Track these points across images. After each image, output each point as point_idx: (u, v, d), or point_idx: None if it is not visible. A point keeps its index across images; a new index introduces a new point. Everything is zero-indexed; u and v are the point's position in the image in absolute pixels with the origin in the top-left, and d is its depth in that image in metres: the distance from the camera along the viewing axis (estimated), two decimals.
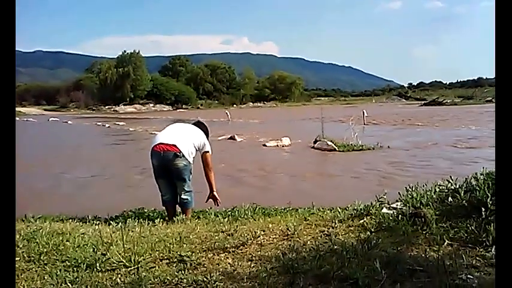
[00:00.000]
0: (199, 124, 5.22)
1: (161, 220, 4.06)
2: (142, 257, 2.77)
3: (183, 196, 4.73)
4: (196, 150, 4.87)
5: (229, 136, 18.36)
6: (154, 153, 4.65)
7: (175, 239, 3.13)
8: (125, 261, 2.71)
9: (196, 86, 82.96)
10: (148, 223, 3.92)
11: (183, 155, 4.60)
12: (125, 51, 75.31)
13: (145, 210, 5.32)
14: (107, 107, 67.38)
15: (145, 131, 25.12)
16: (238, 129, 21.72)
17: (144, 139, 19.21)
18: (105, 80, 71.03)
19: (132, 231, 3.51)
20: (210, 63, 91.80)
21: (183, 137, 4.79)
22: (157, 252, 2.90)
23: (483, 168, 3.42)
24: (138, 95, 72.51)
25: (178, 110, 67.10)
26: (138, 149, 16.01)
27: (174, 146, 4.59)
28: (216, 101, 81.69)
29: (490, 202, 2.95)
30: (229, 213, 4.65)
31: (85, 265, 2.66)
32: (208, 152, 4.98)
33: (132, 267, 2.65)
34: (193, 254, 2.83)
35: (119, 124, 32.05)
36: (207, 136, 5.14)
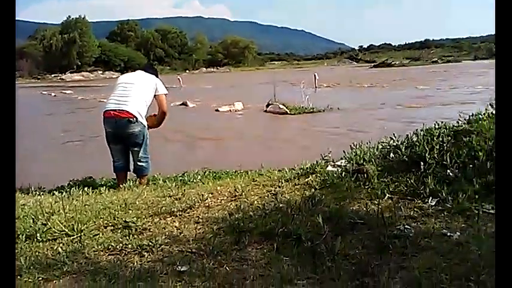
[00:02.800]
0: (147, 68, 5.01)
1: (107, 188, 3.96)
2: (85, 225, 2.70)
3: (139, 163, 4.59)
4: (152, 99, 4.68)
5: (181, 102, 18.06)
6: (107, 120, 4.46)
7: (121, 206, 3.07)
8: (67, 230, 2.63)
9: (147, 51, 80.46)
10: (94, 191, 3.82)
11: (137, 120, 4.44)
12: (69, 17, 71.58)
13: (94, 179, 5.18)
14: (52, 75, 64.17)
15: (93, 99, 24.24)
16: (190, 95, 21.37)
17: (92, 107, 18.58)
18: (50, 47, 67.47)
19: (77, 200, 3.41)
20: (161, 28, 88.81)
21: (133, 97, 4.55)
22: (101, 219, 2.84)
23: (423, 124, 3.55)
24: (85, 62, 69.53)
25: None
26: (87, 117, 15.50)
27: (126, 111, 4.43)
28: (168, 67, 79.67)
29: (428, 156, 3.08)
30: (179, 178, 4.61)
31: (24, 236, 2.57)
32: (162, 94, 4.76)
33: (75, 236, 2.59)
34: (139, 219, 2.79)
35: (66, 93, 30.71)
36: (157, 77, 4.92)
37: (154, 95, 4.71)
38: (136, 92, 4.60)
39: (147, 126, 4.61)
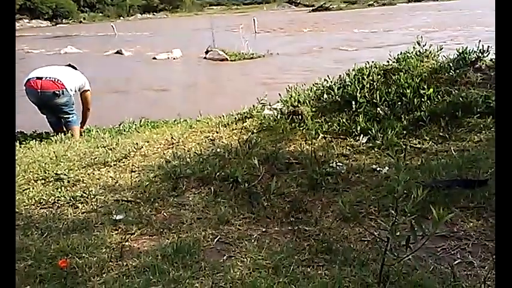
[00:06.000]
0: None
1: (37, 141, 3.77)
2: None
3: (67, 119, 4.48)
4: (77, 90, 4.55)
5: (115, 51, 17.22)
6: (30, 90, 4.23)
7: (51, 158, 2.95)
8: None
9: None
10: (22, 145, 3.64)
11: (63, 92, 4.26)
12: None
13: (25, 134, 4.90)
14: None
15: (20, 49, 22.57)
16: (125, 43, 20.40)
17: (19, 59, 17.34)
18: None
19: None
20: None
21: (61, 69, 4.49)
22: (31, 173, 2.72)
23: (355, 64, 3.61)
24: None
25: (58, 25, 60.78)
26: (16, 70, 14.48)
27: (53, 80, 4.20)
28: (101, 14, 74.96)
29: (359, 95, 3.17)
30: (115, 129, 4.47)
31: None
32: (88, 90, 4.68)
33: None
34: (71, 171, 2.71)
35: None
36: None
37: (80, 90, 4.58)
38: (64, 68, 4.57)
39: (73, 95, 4.48)
